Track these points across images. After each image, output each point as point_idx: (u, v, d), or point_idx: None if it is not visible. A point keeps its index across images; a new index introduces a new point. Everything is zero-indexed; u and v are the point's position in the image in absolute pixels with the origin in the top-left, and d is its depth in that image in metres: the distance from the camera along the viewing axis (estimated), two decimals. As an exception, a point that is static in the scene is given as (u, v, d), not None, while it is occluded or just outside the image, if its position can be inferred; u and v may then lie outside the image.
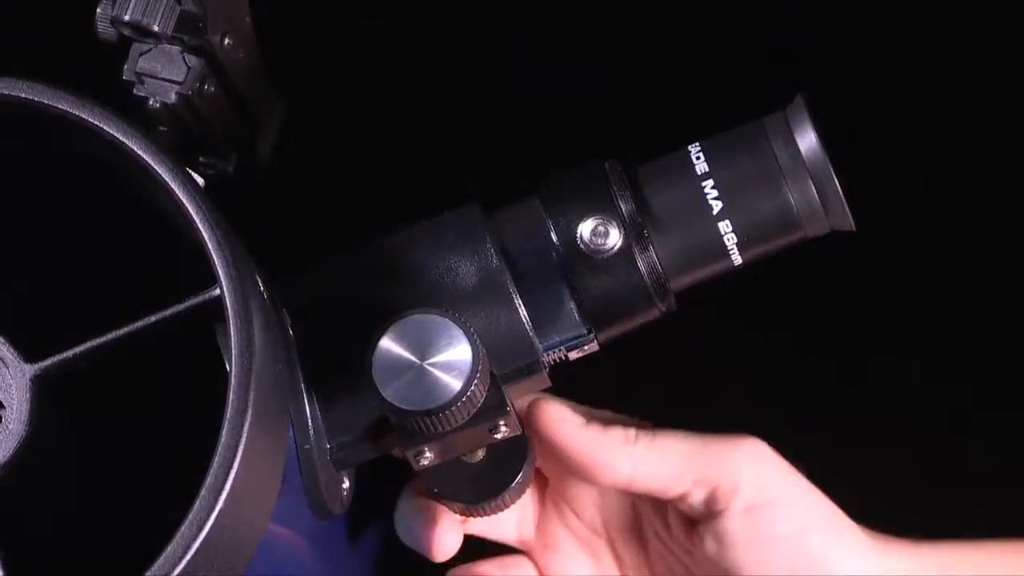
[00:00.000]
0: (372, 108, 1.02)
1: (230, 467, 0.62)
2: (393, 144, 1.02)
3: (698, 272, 0.74)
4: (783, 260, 0.75)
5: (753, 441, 0.77)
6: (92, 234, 0.72)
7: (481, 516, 0.78)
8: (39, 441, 0.65)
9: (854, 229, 0.73)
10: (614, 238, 0.73)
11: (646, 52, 1.03)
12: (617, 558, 0.82)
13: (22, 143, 0.68)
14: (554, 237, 0.73)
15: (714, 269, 0.74)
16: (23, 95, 0.65)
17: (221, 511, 0.62)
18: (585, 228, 0.73)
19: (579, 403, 0.80)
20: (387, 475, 0.80)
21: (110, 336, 0.65)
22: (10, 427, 0.65)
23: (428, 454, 0.73)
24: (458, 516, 0.79)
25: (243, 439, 0.62)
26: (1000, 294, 1.00)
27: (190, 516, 0.61)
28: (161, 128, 0.71)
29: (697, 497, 0.77)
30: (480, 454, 0.77)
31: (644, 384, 0.98)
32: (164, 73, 0.71)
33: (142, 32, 0.68)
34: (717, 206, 0.73)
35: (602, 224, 0.73)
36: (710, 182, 0.73)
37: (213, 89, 0.71)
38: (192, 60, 0.71)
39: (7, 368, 0.65)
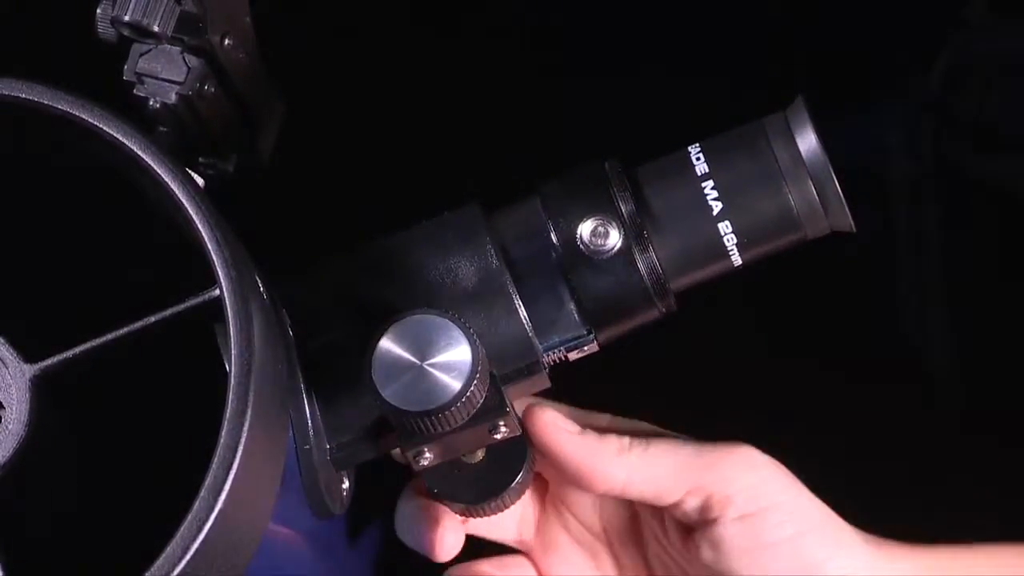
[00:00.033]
0: (372, 108, 1.02)
1: (230, 467, 0.62)
2: (393, 144, 1.02)
3: (698, 273, 0.74)
4: (783, 260, 0.75)
5: (746, 449, 0.77)
6: (92, 234, 0.72)
7: (481, 516, 0.78)
8: (39, 441, 0.65)
9: (854, 230, 0.73)
10: (614, 238, 0.73)
11: (646, 52, 1.03)
12: (616, 561, 0.82)
13: (22, 143, 0.68)
14: (554, 237, 0.73)
15: (714, 270, 0.74)
16: (23, 95, 0.65)
17: (221, 511, 0.62)
18: (585, 228, 0.73)
19: (579, 403, 0.80)
20: (387, 475, 0.80)
21: (110, 336, 0.65)
22: (10, 427, 0.65)
23: (428, 454, 0.73)
24: (459, 516, 0.79)
25: (243, 439, 0.62)
26: (1000, 293, 1.00)
27: (190, 516, 0.61)
28: (161, 128, 0.71)
29: (691, 505, 0.77)
30: (480, 454, 0.77)
31: (644, 384, 0.98)
32: (164, 73, 0.71)
33: (142, 32, 0.68)
34: (717, 207, 0.73)
35: (602, 224, 0.73)
36: (710, 183, 0.73)
37: (213, 89, 0.71)
38: (192, 60, 0.71)
39: (7, 368, 0.65)
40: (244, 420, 0.63)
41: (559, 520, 0.83)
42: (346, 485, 0.76)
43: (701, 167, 0.73)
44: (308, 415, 0.72)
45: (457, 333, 0.68)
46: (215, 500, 0.62)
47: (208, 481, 0.62)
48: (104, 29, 0.70)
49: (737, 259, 0.73)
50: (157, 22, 0.68)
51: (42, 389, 0.65)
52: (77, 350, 0.65)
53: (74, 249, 0.73)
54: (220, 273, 0.64)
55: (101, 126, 0.65)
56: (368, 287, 0.74)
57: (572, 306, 0.73)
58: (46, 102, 0.65)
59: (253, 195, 0.77)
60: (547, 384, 0.75)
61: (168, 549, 0.61)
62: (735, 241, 0.73)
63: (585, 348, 0.74)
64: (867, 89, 0.98)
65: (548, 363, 0.74)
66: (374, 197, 0.99)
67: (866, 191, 0.73)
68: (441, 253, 0.74)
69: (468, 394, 0.68)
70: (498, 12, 1.03)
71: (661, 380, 1.00)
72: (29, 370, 0.65)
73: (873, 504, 0.78)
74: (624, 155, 0.75)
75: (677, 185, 0.73)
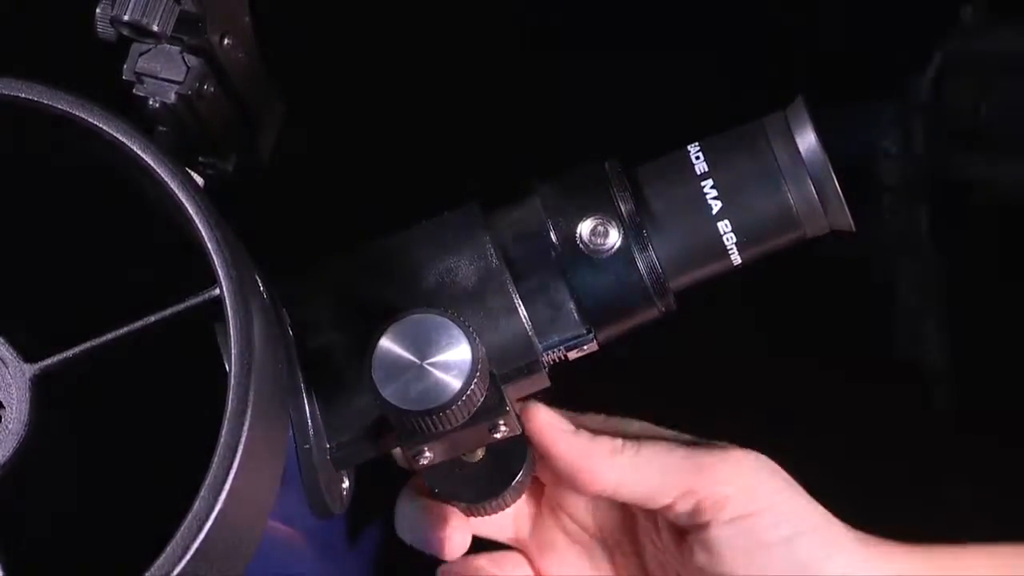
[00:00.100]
0: (372, 108, 1.02)
1: (230, 467, 0.62)
2: (393, 144, 1.02)
3: (697, 272, 0.74)
4: (783, 259, 0.75)
5: (739, 452, 0.77)
6: (92, 234, 0.72)
7: (481, 515, 0.78)
8: (39, 441, 0.65)
9: (853, 229, 0.73)
10: (613, 238, 0.73)
11: (646, 52, 1.03)
12: (612, 561, 0.82)
13: (22, 143, 0.68)
14: (553, 237, 0.73)
15: (713, 269, 0.74)
16: (23, 95, 0.65)
17: (221, 511, 0.62)
18: (584, 228, 0.73)
19: (578, 403, 0.80)
20: (387, 475, 0.80)
21: (110, 336, 0.65)
22: (10, 427, 0.65)
23: (428, 453, 0.73)
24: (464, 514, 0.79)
25: (243, 439, 0.62)
26: (994, 294, 1.00)
27: (190, 516, 0.61)
28: (161, 128, 0.71)
29: (683, 508, 0.77)
30: (480, 453, 0.77)
31: (644, 384, 0.98)
32: (164, 73, 0.71)
33: (141, 32, 0.68)
34: (716, 206, 0.73)
35: (601, 224, 0.73)
36: (709, 182, 0.73)
37: (213, 89, 0.71)
38: (192, 60, 0.71)
39: (7, 368, 0.65)
40: (244, 420, 0.63)
41: (555, 520, 0.83)
42: (346, 485, 0.76)
43: (700, 166, 0.73)
44: (308, 415, 0.72)
45: (457, 332, 0.68)
46: (215, 500, 0.62)
47: (208, 481, 0.62)
48: (103, 29, 0.70)
49: (736, 258, 0.73)
50: (156, 22, 0.68)
51: (42, 389, 0.65)
52: (77, 350, 0.65)
53: (74, 249, 0.73)
54: (220, 273, 0.64)
55: (101, 126, 0.65)
56: (368, 287, 0.74)
57: (572, 305, 0.73)
58: (46, 102, 0.65)
59: (253, 195, 0.77)
60: (547, 383, 0.75)
61: (168, 549, 0.61)
62: (734, 240, 0.73)
63: (585, 347, 0.74)
64: (862, 90, 0.98)
65: (548, 362, 0.74)
66: (374, 197, 0.99)
67: (861, 191, 0.73)
68: (441, 253, 0.74)
69: (468, 393, 0.68)
70: (498, 12, 1.03)
71: (661, 379, 1.00)
72: (29, 370, 0.65)
73: (871, 504, 0.78)
74: (624, 155, 0.75)
75: (676, 184, 0.73)
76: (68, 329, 0.65)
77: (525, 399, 0.78)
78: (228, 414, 0.63)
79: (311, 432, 0.72)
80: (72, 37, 0.75)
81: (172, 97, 0.70)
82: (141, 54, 0.71)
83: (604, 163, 0.74)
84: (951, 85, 0.97)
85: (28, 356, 0.65)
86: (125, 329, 0.65)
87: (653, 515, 0.80)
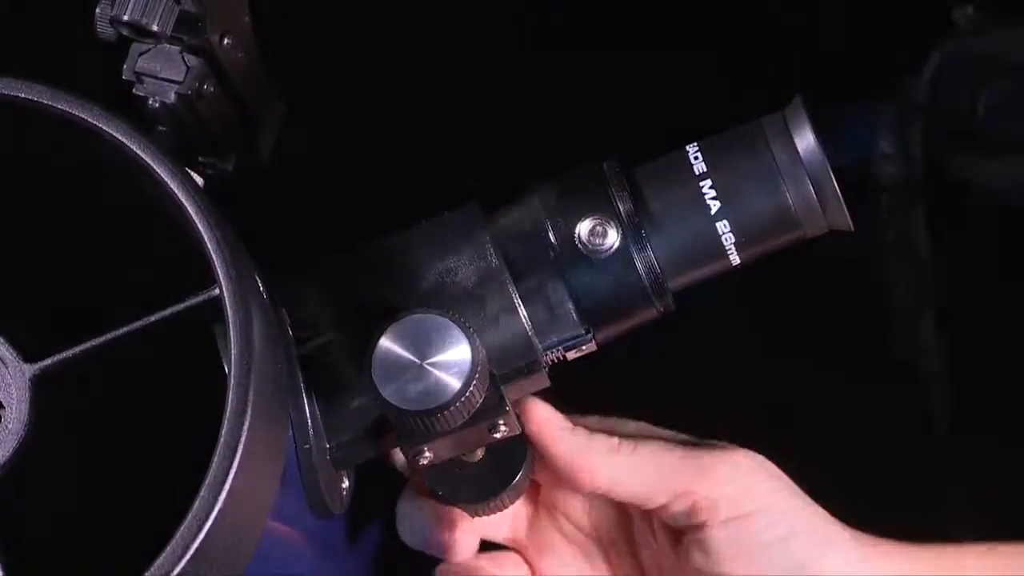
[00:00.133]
0: (372, 108, 1.02)
1: (230, 467, 0.62)
2: (393, 144, 1.02)
3: (696, 272, 0.74)
4: (782, 259, 0.75)
5: (735, 452, 0.77)
6: (92, 234, 0.72)
7: (481, 515, 0.78)
8: (39, 441, 0.65)
9: (852, 229, 0.73)
10: (612, 238, 0.73)
11: (645, 52, 1.03)
12: (609, 562, 0.82)
13: (22, 143, 0.68)
14: (552, 237, 0.73)
15: (712, 269, 0.74)
16: (23, 95, 0.65)
17: (221, 511, 0.62)
18: (583, 228, 0.73)
19: (578, 403, 0.80)
20: (387, 475, 0.80)
21: (110, 336, 0.65)
22: (10, 427, 0.65)
23: (428, 453, 0.73)
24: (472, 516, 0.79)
25: (243, 439, 0.63)
26: (991, 294, 1.00)
27: (190, 516, 0.61)
28: (160, 128, 0.71)
29: (678, 509, 0.77)
30: (480, 453, 0.77)
31: (643, 384, 0.98)
32: (163, 73, 0.71)
33: (141, 32, 0.68)
34: (715, 206, 0.73)
35: (600, 224, 0.73)
36: (708, 182, 0.73)
37: (212, 89, 0.71)
38: (191, 60, 0.71)
39: (7, 368, 0.65)
40: (244, 420, 0.63)
41: (551, 521, 0.83)
42: (346, 485, 0.76)
43: (699, 166, 0.73)
44: (308, 415, 0.72)
45: (457, 332, 0.68)
46: (215, 499, 0.62)
47: (208, 480, 0.62)
48: (103, 29, 0.70)
49: (735, 258, 0.73)
50: (156, 21, 0.68)
51: (42, 389, 0.65)
52: (77, 350, 0.65)
53: (74, 249, 0.73)
54: (220, 273, 0.64)
55: (101, 126, 0.65)
56: (368, 287, 0.74)
57: (570, 305, 0.73)
58: (46, 102, 0.65)
59: (253, 195, 0.77)
60: (547, 383, 0.75)
61: (168, 549, 0.61)
62: (733, 240, 0.73)
63: (583, 348, 0.74)
64: (859, 90, 0.98)
65: (547, 363, 0.74)
66: (374, 197, 0.99)
67: (858, 192, 0.73)
68: (441, 253, 0.74)
69: (468, 393, 0.68)
70: (498, 12, 1.02)
71: (660, 379, 1.00)
72: (29, 370, 0.65)
73: (870, 504, 0.78)
74: (624, 155, 0.75)
75: (675, 185, 0.73)
76: (68, 329, 0.65)
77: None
78: (228, 414, 0.63)
79: (311, 432, 0.72)
80: (72, 37, 0.75)
81: (172, 97, 0.70)
82: (141, 54, 0.71)
83: (603, 164, 0.74)
84: (948, 86, 0.97)
85: (28, 356, 0.65)
86: (125, 329, 0.65)
87: (649, 516, 0.80)
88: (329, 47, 1.01)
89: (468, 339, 0.68)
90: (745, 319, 1.02)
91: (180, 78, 0.70)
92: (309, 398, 0.73)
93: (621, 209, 0.73)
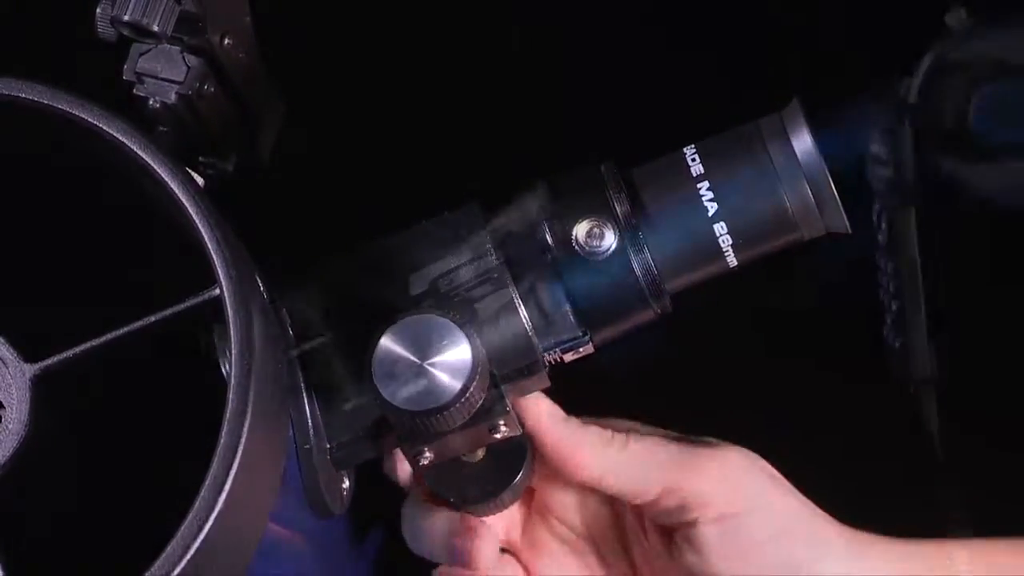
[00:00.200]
0: (372, 108, 1.02)
1: (230, 467, 0.62)
2: (393, 144, 1.02)
3: (693, 274, 0.74)
4: (781, 258, 0.75)
5: (727, 450, 0.77)
6: (92, 234, 0.72)
7: (480, 516, 0.78)
8: (39, 441, 0.65)
9: (849, 231, 0.73)
10: (609, 240, 0.73)
11: (643, 53, 1.03)
12: (602, 562, 0.82)
13: (22, 143, 0.68)
14: (549, 239, 0.73)
15: (709, 271, 0.74)
16: (23, 95, 0.65)
17: (221, 511, 0.62)
18: (580, 230, 0.73)
19: (576, 403, 0.80)
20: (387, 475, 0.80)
21: (110, 336, 0.65)
22: (10, 427, 0.65)
23: (428, 454, 0.73)
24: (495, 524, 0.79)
25: (243, 439, 0.63)
26: (987, 296, 1.00)
27: (190, 516, 0.61)
28: (161, 128, 0.71)
29: (668, 505, 0.76)
30: (480, 454, 0.77)
31: (640, 384, 0.98)
32: (164, 73, 0.71)
33: (142, 32, 0.68)
34: (712, 208, 0.73)
35: (597, 226, 0.73)
36: (705, 184, 0.73)
37: (213, 89, 0.72)
38: (192, 60, 0.71)
39: (7, 368, 0.65)
40: (244, 420, 0.63)
41: (544, 523, 0.82)
42: (346, 485, 0.76)
43: (696, 168, 0.73)
44: (308, 415, 0.72)
45: (457, 333, 0.68)
46: (215, 500, 0.62)
47: (208, 481, 0.62)
48: (104, 29, 0.70)
49: (732, 260, 0.73)
50: (157, 22, 0.68)
51: (42, 389, 0.65)
52: (77, 350, 0.65)
53: (74, 249, 0.73)
54: (220, 273, 0.64)
55: (101, 126, 0.65)
56: (368, 287, 0.74)
57: (567, 307, 0.73)
58: (46, 102, 0.65)
59: (253, 195, 0.77)
60: (547, 384, 0.75)
61: (168, 549, 0.61)
62: (730, 242, 0.73)
63: (581, 350, 0.74)
64: (853, 92, 0.98)
65: (546, 363, 0.74)
66: (374, 197, 0.99)
67: (850, 195, 0.73)
68: (441, 253, 0.74)
69: (468, 394, 0.68)
70: (498, 12, 1.02)
71: (658, 380, 1.00)
72: (29, 370, 0.65)
73: (867, 504, 0.78)
74: (622, 155, 0.75)
75: (672, 186, 0.73)
76: (68, 329, 0.65)
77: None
78: (228, 414, 0.63)
79: (311, 432, 0.72)
80: (72, 37, 0.75)
81: (172, 97, 0.71)
82: (141, 54, 0.71)
83: (600, 166, 0.74)
84: (940, 88, 0.97)
85: (28, 356, 0.65)
86: (125, 329, 0.65)
87: (641, 514, 0.80)
88: (329, 47, 1.01)
89: (468, 339, 0.68)
90: (743, 319, 1.02)
91: (180, 78, 0.70)
92: (309, 398, 0.73)
93: (618, 211, 0.73)
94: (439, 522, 0.78)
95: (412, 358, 0.68)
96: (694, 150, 0.73)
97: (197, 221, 0.65)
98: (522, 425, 0.76)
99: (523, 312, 0.73)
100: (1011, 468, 0.96)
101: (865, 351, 1.02)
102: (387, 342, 0.68)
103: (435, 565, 0.80)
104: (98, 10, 0.70)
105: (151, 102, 0.71)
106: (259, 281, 0.69)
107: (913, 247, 1.01)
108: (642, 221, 0.73)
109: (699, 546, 0.76)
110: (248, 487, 0.63)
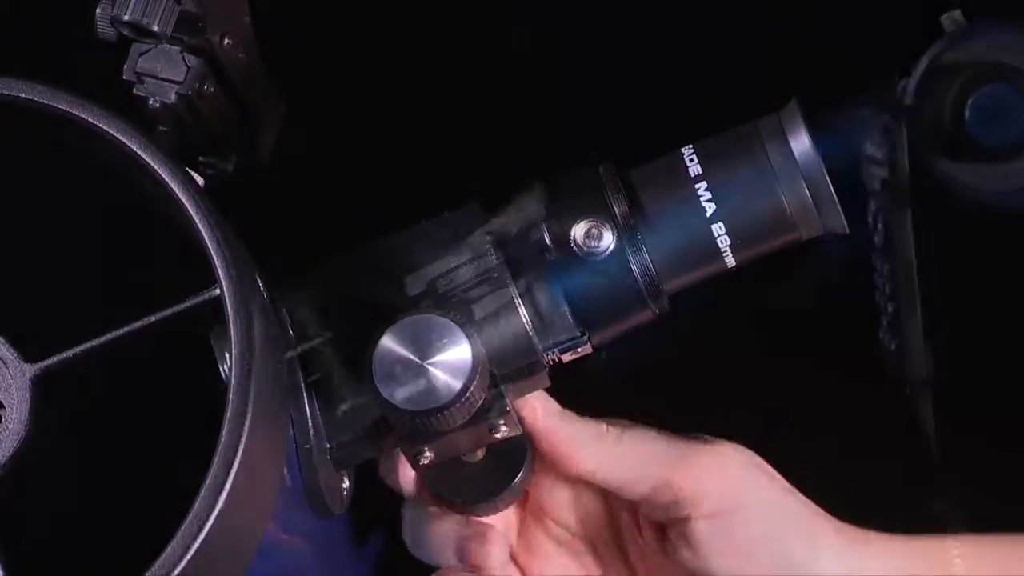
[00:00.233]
0: (372, 108, 1.02)
1: (230, 467, 0.62)
2: (393, 144, 1.02)
3: (691, 274, 0.74)
4: (780, 258, 0.75)
5: (722, 446, 0.77)
6: (92, 234, 0.72)
7: (480, 516, 0.78)
8: (39, 441, 0.65)
9: (847, 231, 0.73)
10: (607, 240, 0.73)
11: (643, 53, 1.03)
12: (598, 561, 0.82)
13: (22, 143, 0.68)
14: (547, 239, 0.73)
15: (707, 271, 0.74)
16: (23, 95, 0.65)
17: (221, 511, 0.62)
18: (579, 230, 0.73)
19: (575, 403, 0.80)
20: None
21: (110, 336, 0.65)
22: (10, 427, 0.65)
23: (428, 453, 0.73)
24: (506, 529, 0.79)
25: (243, 439, 0.63)
26: (983, 296, 1.00)
27: (190, 516, 0.61)
28: (161, 128, 0.71)
29: (661, 500, 0.76)
30: (480, 454, 0.77)
31: (639, 384, 0.98)
32: (164, 73, 0.71)
33: (142, 32, 0.68)
34: (710, 208, 0.73)
35: (595, 226, 0.73)
36: (703, 184, 0.73)
37: (213, 89, 0.72)
38: (192, 60, 0.71)
39: (7, 368, 0.65)
40: (244, 420, 0.63)
41: (539, 524, 0.82)
42: (346, 485, 0.76)
43: (695, 168, 0.73)
44: (308, 415, 0.72)
45: (457, 333, 0.68)
46: (215, 500, 0.62)
47: (208, 481, 0.62)
48: (104, 29, 0.70)
49: (730, 260, 0.73)
50: (156, 22, 0.68)
51: (42, 389, 0.65)
52: (77, 350, 0.65)
53: (74, 249, 0.73)
54: (220, 273, 0.64)
55: (101, 126, 0.65)
56: (368, 287, 0.74)
57: (565, 308, 0.73)
58: (46, 102, 0.65)
59: (253, 195, 0.77)
60: (547, 383, 0.75)
61: (168, 549, 0.61)
62: (728, 242, 0.73)
63: (579, 350, 0.74)
64: (850, 93, 0.98)
65: (547, 363, 0.74)
66: (374, 197, 0.99)
67: (846, 195, 0.73)
68: (441, 253, 0.74)
69: (468, 394, 0.68)
70: (498, 12, 1.02)
71: (656, 380, 1.00)
72: (29, 370, 0.65)
73: (864, 503, 0.78)
74: (621, 155, 0.75)
75: (671, 187, 0.73)
76: (68, 329, 0.65)
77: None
78: (228, 414, 0.63)
79: (311, 432, 0.72)
80: (72, 37, 0.75)
81: (172, 97, 0.71)
82: (141, 54, 0.71)
83: (599, 167, 0.74)
84: (936, 90, 0.97)
85: (28, 356, 0.65)
86: (125, 329, 0.65)
87: (635, 512, 0.80)
88: (329, 47, 1.01)
89: (468, 339, 0.68)
90: (741, 319, 1.02)
91: (180, 78, 0.70)
92: (309, 398, 0.73)
93: (617, 211, 0.73)
94: (446, 526, 0.78)
95: (412, 358, 0.68)
96: (692, 151, 0.73)
97: (197, 221, 0.65)
98: (521, 424, 0.76)
99: (523, 312, 0.73)
100: (1007, 468, 0.96)
101: (863, 351, 1.02)
102: (387, 342, 0.68)
103: (436, 568, 0.80)
104: (98, 10, 0.70)
105: (151, 102, 0.71)
106: (259, 281, 0.69)
107: (909, 248, 1.01)
108: (640, 221, 0.73)
109: (693, 542, 0.76)
110: (248, 487, 0.63)
